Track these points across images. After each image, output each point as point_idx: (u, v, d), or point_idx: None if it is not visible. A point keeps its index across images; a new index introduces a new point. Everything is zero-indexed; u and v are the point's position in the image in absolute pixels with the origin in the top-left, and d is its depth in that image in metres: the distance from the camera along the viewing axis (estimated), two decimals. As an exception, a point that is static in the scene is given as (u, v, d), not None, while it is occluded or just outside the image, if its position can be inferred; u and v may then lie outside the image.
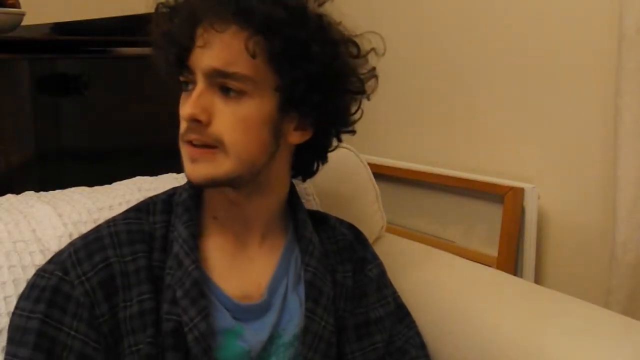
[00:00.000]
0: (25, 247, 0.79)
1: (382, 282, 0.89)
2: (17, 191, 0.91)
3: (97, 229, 0.75)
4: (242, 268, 0.78)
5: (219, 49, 0.68)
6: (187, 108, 0.69)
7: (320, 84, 0.71)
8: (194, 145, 0.70)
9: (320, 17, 0.73)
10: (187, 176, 0.72)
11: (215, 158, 0.70)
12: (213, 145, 0.69)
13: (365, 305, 0.85)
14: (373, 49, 0.77)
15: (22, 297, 0.70)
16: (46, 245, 0.80)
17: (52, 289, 0.69)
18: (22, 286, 0.73)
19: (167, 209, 0.78)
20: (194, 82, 0.70)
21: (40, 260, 0.78)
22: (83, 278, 0.69)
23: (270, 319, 0.77)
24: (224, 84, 0.69)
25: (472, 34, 1.47)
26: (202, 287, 0.72)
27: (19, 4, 1.22)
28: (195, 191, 0.78)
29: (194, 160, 0.70)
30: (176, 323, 0.70)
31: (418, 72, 1.61)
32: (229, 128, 0.69)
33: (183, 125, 0.71)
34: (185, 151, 0.72)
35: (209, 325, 0.71)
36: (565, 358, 0.81)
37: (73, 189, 0.93)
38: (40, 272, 0.71)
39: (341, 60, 0.73)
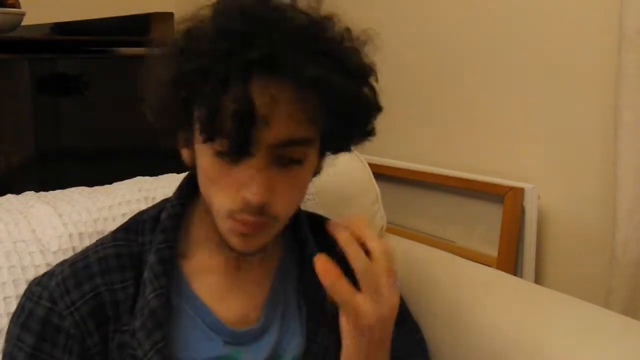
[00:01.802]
0: (25, 248, 0.79)
1: None
2: (17, 191, 0.91)
3: (86, 255, 0.72)
4: (237, 289, 0.74)
5: (287, 118, 0.62)
6: (253, 193, 0.62)
7: (359, 121, 0.69)
8: (246, 222, 0.65)
9: (365, 66, 0.68)
10: (233, 247, 0.68)
11: (269, 229, 0.67)
12: (267, 220, 0.66)
13: None
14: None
15: (14, 317, 0.68)
16: (46, 246, 0.80)
17: (41, 320, 0.67)
18: (22, 287, 0.73)
19: (155, 227, 0.73)
20: (241, 154, 0.62)
21: (40, 260, 0.77)
22: (72, 308, 0.67)
23: (268, 340, 0.74)
24: (284, 155, 0.64)
25: (472, 34, 1.47)
26: (161, 318, 0.68)
27: (19, 4, 1.23)
28: (178, 210, 0.74)
29: (245, 235, 0.66)
30: (132, 357, 0.67)
31: (418, 72, 1.61)
32: (288, 203, 0.67)
33: (233, 203, 0.64)
34: (232, 226, 0.66)
35: (167, 357, 0.67)
36: (564, 358, 0.81)
37: (73, 189, 0.93)
38: (29, 294, 0.69)
39: (373, 93, 0.70)
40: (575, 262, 1.34)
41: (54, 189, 0.93)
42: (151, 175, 0.98)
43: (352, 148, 0.76)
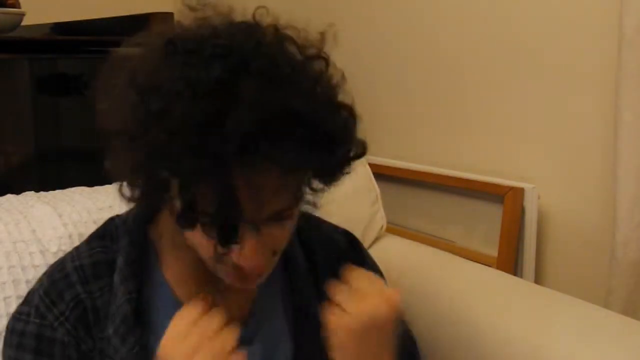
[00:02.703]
0: (25, 248, 0.79)
1: None
2: (17, 191, 0.91)
3: (62, 265, 0.71)
4: (222, 297, 0.71)
5: (272, 198, 0.58)
6: (249, 266, 0.60)
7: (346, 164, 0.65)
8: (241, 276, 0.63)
9: (348, 118, 0.63)
10: (233, 284, 0.66)
11: (269, 267, 0.66)
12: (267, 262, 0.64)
13: None
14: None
15: (6, 343, 0.68)
16: (46, 246, 0.80)
17: (35, 336, 0.67)
18: (21, 287, 0.73)
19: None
20: (228, 244, 0.59)
21: (40, 260, 0.77)
22: (62, 318, 0.67)
23: (258, 347, 0.73)
24: (272, 221, 0.61)
25: (472, 34, 1.46)
26: (132, 322, 0.67)
27: (19, 4, 1.23)
28: (142, 220, 0.72)
29: (244, 280, 0.64)
30: None
31: (418, 72, 1.61)
32: (283, 242, 0.66)
33: (228, 265, 0.62)
34: (229, 273, 0.64)
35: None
36: (564, 358, 0.81)
37: (73, 189, 0.93)
38: (17, 315, 0.69)
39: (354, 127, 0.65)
40: (575, 262, 1.34)
41: (54, 189, 0.93)
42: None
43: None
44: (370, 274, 0.69)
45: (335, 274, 0.74)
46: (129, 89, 0.56)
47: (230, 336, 0.61)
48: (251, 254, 0.60)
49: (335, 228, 0.86)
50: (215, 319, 0.62)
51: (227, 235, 0.57)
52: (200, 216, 0.56)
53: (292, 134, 0.55)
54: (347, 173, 0.65)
